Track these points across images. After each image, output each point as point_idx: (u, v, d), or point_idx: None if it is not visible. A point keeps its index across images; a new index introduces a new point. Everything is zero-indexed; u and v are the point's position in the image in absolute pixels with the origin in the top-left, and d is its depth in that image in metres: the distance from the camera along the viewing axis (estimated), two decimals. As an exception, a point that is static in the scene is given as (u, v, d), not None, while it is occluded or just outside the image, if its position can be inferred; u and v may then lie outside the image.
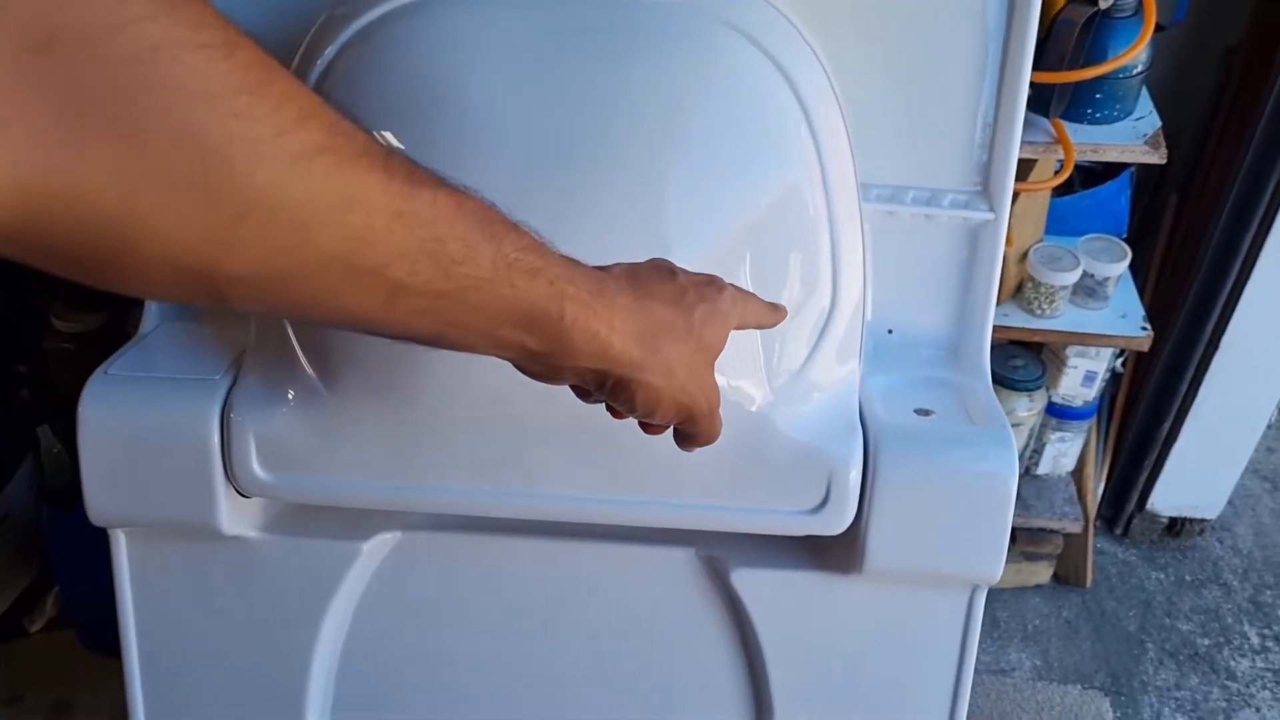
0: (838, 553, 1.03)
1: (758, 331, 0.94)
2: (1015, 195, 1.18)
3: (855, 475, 0.96)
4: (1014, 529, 1.75)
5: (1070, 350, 1.55)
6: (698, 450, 0.74)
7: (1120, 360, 1.73)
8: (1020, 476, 1.73)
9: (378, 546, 1.04)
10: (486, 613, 1.07)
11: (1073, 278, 1.39)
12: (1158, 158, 1.23)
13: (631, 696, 1.09)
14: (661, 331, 0.52)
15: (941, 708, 1.08)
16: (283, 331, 0.94)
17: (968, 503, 0.98)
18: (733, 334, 0.67)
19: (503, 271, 0.46)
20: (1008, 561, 1.83)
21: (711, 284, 0.58)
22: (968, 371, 1.09)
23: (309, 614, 1.04)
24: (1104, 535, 1.91)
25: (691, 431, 0.62)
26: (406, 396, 0.93)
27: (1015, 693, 1.62)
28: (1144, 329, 1.42)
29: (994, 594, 1.80)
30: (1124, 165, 1.51)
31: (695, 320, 0.54)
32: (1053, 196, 1.46)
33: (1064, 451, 1.69)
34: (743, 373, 0.94)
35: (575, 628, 1.08)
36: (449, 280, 0.44)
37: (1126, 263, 1.42)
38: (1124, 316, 1.44)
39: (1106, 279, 1.43)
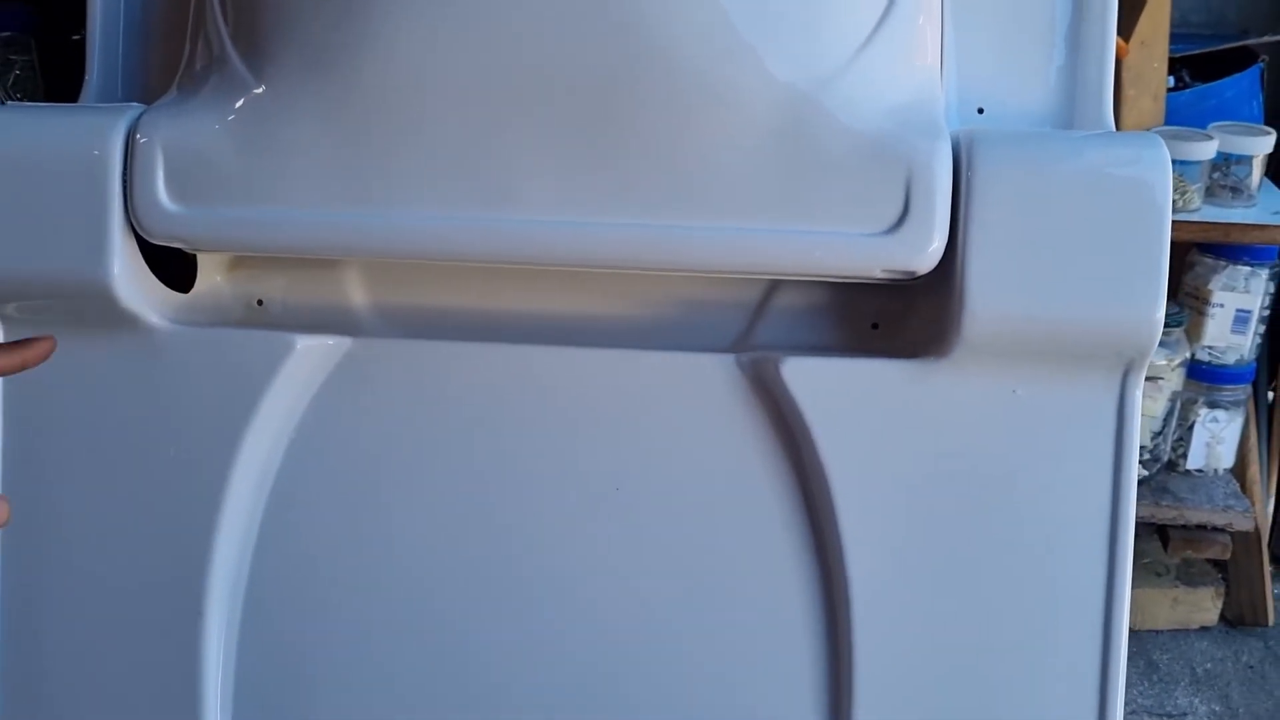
0: (924, 325, 0.76)
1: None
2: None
3: (942, 179, 0.71)
4: (1167, 528, 1.42)
5: (1215, 282, 1.28)
6: (734, 149, 0.70)
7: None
8: (1165, 470, 1.41)
9: (319, 352, 0.79)
10: (468, 448, 0.80)
11: (1207, 153, 1.15)
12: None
13: (653, 555, 0.79)
14: None
15: (1089, 560, 0.76)
16: (207, 14, 0.76)
17: (1105, 224, 0.71)
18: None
19: None
20: (1159, 588, 1.47)
21: None
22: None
23: (221, 441, 0.79)
24: (1281, 580, 1.54)
25: None
26: (357, 84, 0.73)
27: (1192, 737, 1.24)
28: (1306, 220, 1.16)
29: (1148, 635, 1.43)
30: (1251, 57, 1.29)
31: None
32: (1168, 92, 1.24)
33: (1219, 436, 1.38)
34: (782, 46, 0.72)
35: (575, 469, 0.80)
36: None
37: (1271, 142, 1.17)
38: (1277, 213, 1.18)
39: (1249, 170, 1.18)
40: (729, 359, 0.79)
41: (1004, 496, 0.76)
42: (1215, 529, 1.35)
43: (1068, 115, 0.86)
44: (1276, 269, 1.30)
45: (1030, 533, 0.76)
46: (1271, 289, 1.31)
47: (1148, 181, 0.72)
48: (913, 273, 0.73)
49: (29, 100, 1.13)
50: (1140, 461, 1.35)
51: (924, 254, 0.72)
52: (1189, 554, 1.37)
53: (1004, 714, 0.76)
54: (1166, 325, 1.24)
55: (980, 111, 0.86)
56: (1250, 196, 1.19)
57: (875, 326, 0.83)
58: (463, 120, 0.73)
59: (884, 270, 0.73)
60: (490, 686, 0.80)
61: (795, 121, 0.72)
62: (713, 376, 0.79)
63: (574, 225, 0.73)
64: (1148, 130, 1.19)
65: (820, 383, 0.77)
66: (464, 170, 0.74)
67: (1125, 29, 1.12)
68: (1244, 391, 1.36)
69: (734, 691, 0.78)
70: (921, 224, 0.71)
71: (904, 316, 0.82)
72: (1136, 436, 0.75)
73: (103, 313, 0.77)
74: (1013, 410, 0.75)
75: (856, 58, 0.73)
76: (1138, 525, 1.39)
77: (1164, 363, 1.28)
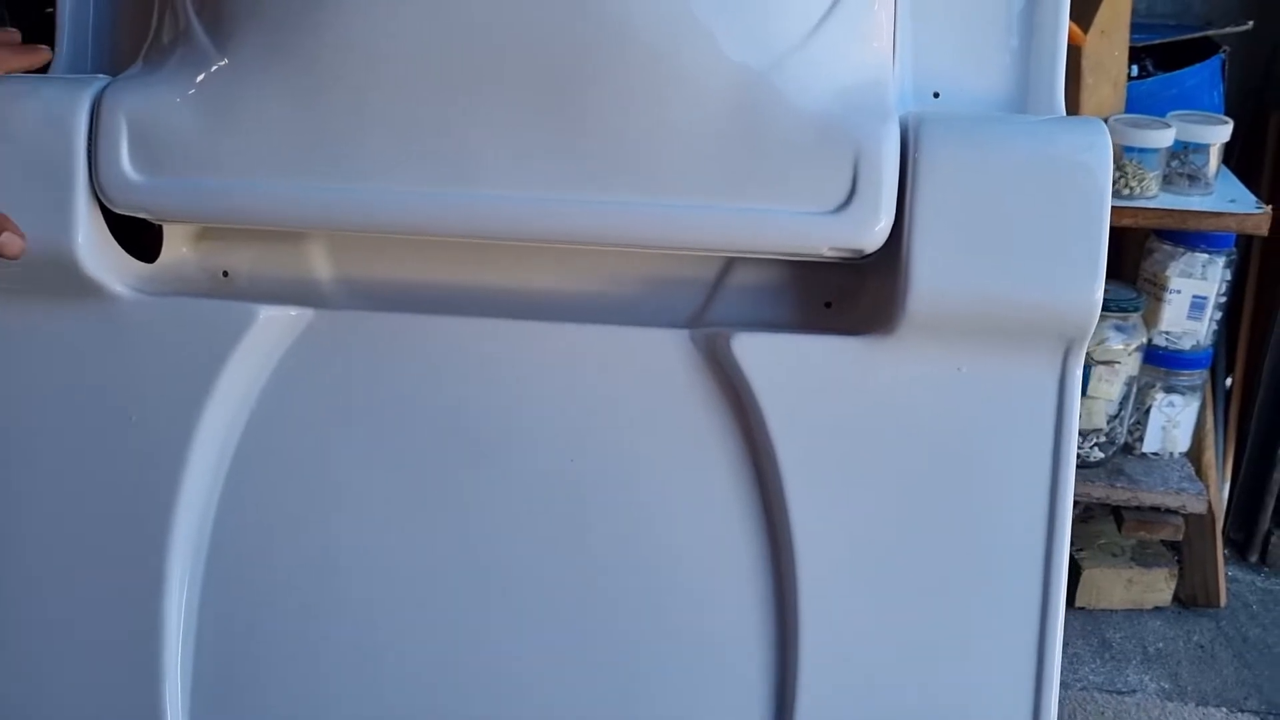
0: (873, 301, 0.78)
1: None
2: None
3: (889, 160, 0.73)
4: (1120, 509, 1.44)
5: (1172, 268, 1.30)
6: (687, 127, 0.72)
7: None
8: (1121, 452, 1.43)
9: (281, 323, 0.81)
10: (428, 419, 0.82)
11: (1165, 141, 1.17)
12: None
13: (607, 526, 0.81)
14: None
15: (1029, 533, 0.78)
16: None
17: (1046, 206, 0.73)
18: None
19: None
20: (1114, 569, 1.49)
21: None
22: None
23: (183, 410, 0.80)
24: (1236, 564, 1.57)
25: None
26: (319, 56, 0.74)
27: (1141, 712, 1.26)
28: (1260, 207, 1.18)
29: (1102, 614, 1.46)
30: (1213, 48, 1.31)
31: None
32: (1129, 81, 1.27)
33: (1175, 420, 1.40)
34: (736, 26, 0.74)
35: (531, 440, 0.82)
36: None
37: (1228, 130, 1.19)
38: (1233, 201, 1.20)
39: (1206, 158, 1.20)
40: (683, 334, 0.81)
41: (947, 471, 0.78)
42: (1169, 511, 1.37)
43: (1021, 101, 0.87)
44: (1233, 256, 1.33)
45: (971, 506, 0.78)
46: (1228, 276, 1.34)
47: (1088, 165, 0.74)
48: (860, 251, 0.74)
49: None
50: (1097, 444, 1.38)
51: (870, 232, 0.74)
52: (1143, 535, 1.40)
53: (942, 678, 0.78)
54: (1124, 310, 1.27)
55: (936, 96, 0.88)
56: (1208, 184, 1.22)
57: (829, 305, 0.85)
58: (422, 95, 0.74)
59: (831, 248, 0.75)
60: (449, 646, 0.82)
61: (747, 101, 0.73)
62: (667, 351, 0.81)
63: (530, 200, 0.75)
64: (1107, 117, 1.21)
65: (768, 357, 0.78)
66: (423, 144, 0.75)
67: (1085, 18, 1.14)
68: (1200, 377, 1.39)
69: (682, 654, 0.80)
70: (868, 203, 0.73)
71: (856, 296, 0.84)
72: (1076, 414, 0.77)
73: (67, 281, 0.78)
74: (957, 387, 0.77)
75: (808, 40, 0.75)
76: (1094, 506, 1.42)
77: (1121, 347, 1.30)
